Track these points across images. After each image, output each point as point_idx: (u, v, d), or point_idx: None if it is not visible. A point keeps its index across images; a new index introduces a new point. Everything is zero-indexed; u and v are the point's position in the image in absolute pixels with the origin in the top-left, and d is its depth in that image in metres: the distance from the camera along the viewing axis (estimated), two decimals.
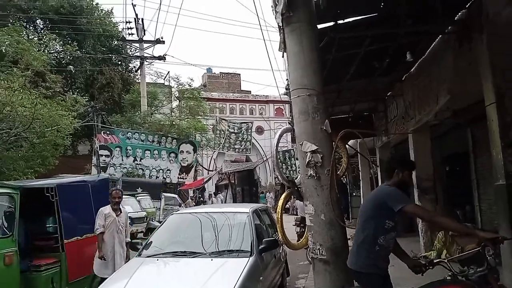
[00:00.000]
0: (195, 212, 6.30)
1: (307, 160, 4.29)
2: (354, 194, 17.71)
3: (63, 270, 5.71)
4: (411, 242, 9.15)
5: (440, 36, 6.43)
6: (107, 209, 5.82)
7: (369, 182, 14.02)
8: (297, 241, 9.40)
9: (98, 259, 5.75)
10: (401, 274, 6.21)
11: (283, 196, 4.70)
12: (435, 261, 3.25)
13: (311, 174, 4.27)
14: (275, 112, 35.68)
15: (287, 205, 22.98)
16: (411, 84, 8.24)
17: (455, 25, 5.93)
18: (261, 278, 4.77)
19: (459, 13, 5.82)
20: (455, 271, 3.04)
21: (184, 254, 4.94)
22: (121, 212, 5.95)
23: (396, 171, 3.33)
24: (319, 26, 5.12)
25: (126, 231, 6.13)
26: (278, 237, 5.19)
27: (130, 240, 6.15)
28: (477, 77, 5.20)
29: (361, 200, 14.86)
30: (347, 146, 11.82)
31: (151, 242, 5.32)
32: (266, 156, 31.44)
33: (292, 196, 4.88)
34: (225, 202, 27.48)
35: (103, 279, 5.26)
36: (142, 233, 14.92)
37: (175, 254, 4.96)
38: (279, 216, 4.55)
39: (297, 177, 5.31)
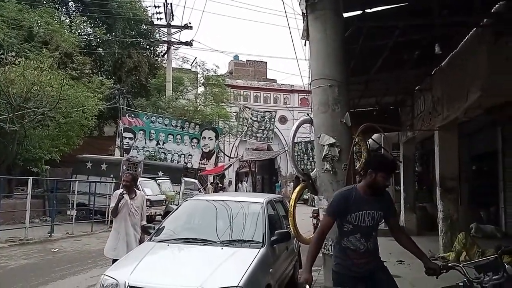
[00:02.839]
0: (209, 200, 6.25)
1: (324, 154, 4.16)
2: None
3: None
4: (431, 241, 8.89)
5: (474, 29, 6.10)
6: (120, 192, 5.84)
7: (393, 178, 13.67)
8: (313, 233, 9.28)
9: (110, 241, 5.80)
10: (418, 274, 6.04)
11: (296, 189, 4.58)
12: (450, 264, 3.09)
13: (327, 168, 4.14)
14: (299, 102, 35.26)
15: (306, 196, 22.83)
16: (441, 78, 7.91)
17: (491, 18, 5.61)
18: (271, 269, 4.69)
19: (496, 6, 5.49)
20: (470, 277, 2.88)
21: (195, 241, 4.89)
22: (136, 195, 5.95)
23: (369, 171, 3.17)
24: (345, 15, 4.91)
25: (142, 214, 6.12)
26: (291, 230, 5.09)
27: (145, 223, 6.15)
28: None
29: None
30: (370, 140, 11.57)
31: (164, 227, 5.31)
32: (288, 146, 31.27)
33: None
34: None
35: (114, 261, 5.30)
36: (160, 216, 15.12)
37: (186, 241, 4.91)
38: (292, 210, 4.44)
39: (315, 169, 5.16)
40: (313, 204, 17.79)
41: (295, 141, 27.22)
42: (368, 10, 5.26)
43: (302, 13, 4.59)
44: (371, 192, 3.17)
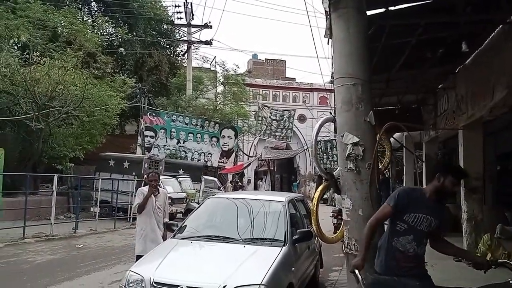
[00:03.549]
0: (231, 198, 6.29)
1: (347, 153, 4.13)
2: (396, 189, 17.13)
3: None
4: (454, 242, 8.69)
5: (500, 26, 5.97)
6: (145, 189, 5.94)
7: (413, 178, 13.49)
8: (333, 233, 9.25)
9: (136, 237, 5.91)
10: (443, 275, 5.97)
11: (319, 188, 4.58)
12: (499, 261, 3.05)
13: (350, 167, 4.11)
14: (319, 100, 35.06)
15: (326, 196, 22.73)
16: (465, 76, 7.76)
17: None
18: (293, 268, 4.71)
19: None
20: None
21: (217, 238, 4.95)
22: (159, 192, 6.04)
23: (437, 174, 3.04)
24: (368, 13, 4.87)
25: (165, 211, 6.22)
26: (313, 229, 5.09)
27: (168, 220, 6.25)
28: None
29: None
30: (391, 139, 11.46)
31: (186, 224, 5.38)
32: (307, 144, 31.17)
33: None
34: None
35: (138, 257, 5.41)
36: (181, 214, 15.29)
37: (209, 238, 4.99)
38: (315, 208, 4.44)
39: (337, 168, 5.17)
40: (333, 204, 17.69)
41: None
42: (391, 8, 5.20)
43: (325, 11, 4.57)
44: (436, 198, 3.07)
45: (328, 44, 4.77)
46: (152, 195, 5.87)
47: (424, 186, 11.01)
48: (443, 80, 9.14)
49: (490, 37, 6.44)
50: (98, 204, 13.80)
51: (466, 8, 5.31)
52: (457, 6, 5.27)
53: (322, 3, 4.48)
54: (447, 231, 3.27)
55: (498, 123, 9.50)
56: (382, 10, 5.21)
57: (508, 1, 5.22)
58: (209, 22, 25.74)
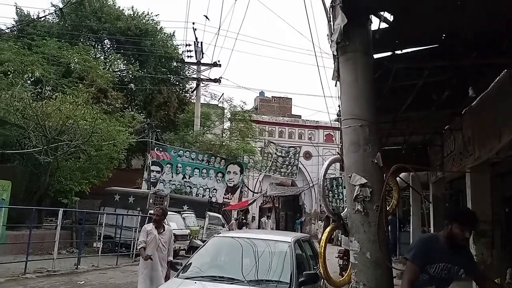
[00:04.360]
0: (237, 237, 6.22)
1: (355, 194, 4.10)
2: (403, 229, 16.87)
3: None
4: (462, 287, 8.48)
5: (505, 70, 6.07)
6: (149, 226, 5.91)
7: (420, 218, 13.30)
8: (339, 273, 9.05)
9: (140, 276, 5.82)
10: None
11: (327, 229, 4.51)
12: None
13: (358, 209, 4.07)
14: (324, 138, 35.16)
15: (332, 236, 22.35)
16: (472, 118, 7.80)
17: None
18: None
19: None
20: None
21: (222, 279, 4.86)
22: (164, 230, 6.00)
23: (446, 221, 3.16)
24: (375, 56, 4.98)
25: (169, 249, 6.15)
26: (319, 271, 5.00)
27: (172, 259, 6.17)
28: None
29: (411, 236, 14.12)
30: (398, 179, 11.40)
31: (191, 263, 5.30)
32: (312, 182, 30.96)
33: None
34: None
35: None
36: (184, 251, 15.05)
37: (213, 279, 4.89)
38: (322, 251, 4.36)
39: (343, 206, 5.13)
40: (339, 244, 17.40)
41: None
42: (398, 52, 5.33)
43: (333, 54, 4.68)
44: (450, 245, 3.11)
45: (335, 86, 4.86)
46: (156, 233, 5.83)
47: (432, 226, 10.78)
48: (449, 121, 9.19)
49: (496, 80, 6.53)
50: (101, 239, 13.66)
51: (471, 53, 5.42)
52: (463, 51, 5.37)
53: (330, 47, 4.59)
54: (477, 273, 3.29)
55: (505, 165, 9.45)
56: (389, 53, 5.34)
57: (510, 47, 5.32)
58: (218, 61, 26.43)
